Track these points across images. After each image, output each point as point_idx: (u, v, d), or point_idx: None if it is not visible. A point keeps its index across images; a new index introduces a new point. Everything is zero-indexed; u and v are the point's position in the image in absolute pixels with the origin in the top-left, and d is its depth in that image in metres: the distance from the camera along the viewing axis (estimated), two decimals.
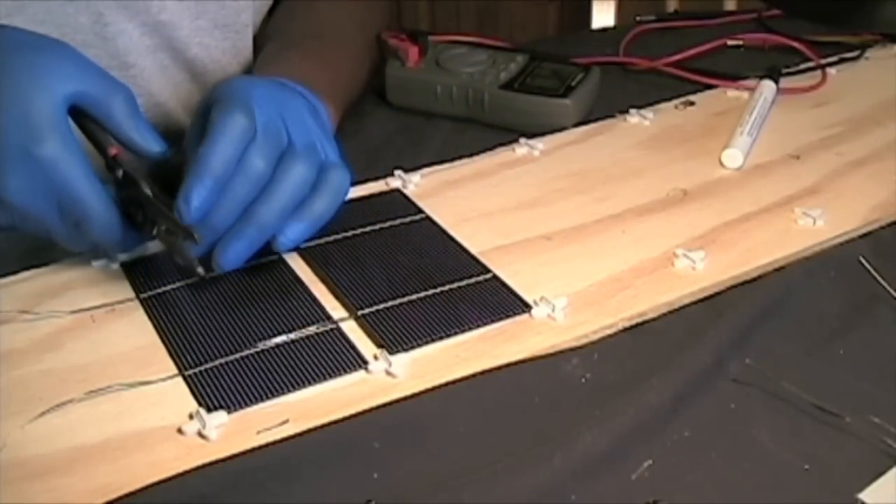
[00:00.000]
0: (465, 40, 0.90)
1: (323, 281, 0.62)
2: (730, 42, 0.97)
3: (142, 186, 0.58)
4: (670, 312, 0.61)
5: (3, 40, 0.58)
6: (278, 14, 0.86)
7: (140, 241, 0.61)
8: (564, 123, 0.82)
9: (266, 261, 0.63)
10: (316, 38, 0.82)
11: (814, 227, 0.68)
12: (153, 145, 0.60)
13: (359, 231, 0.67)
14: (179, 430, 0.51)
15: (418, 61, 0.86)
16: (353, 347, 0.57)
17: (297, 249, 0.64)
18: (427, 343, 0.57)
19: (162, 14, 0.74)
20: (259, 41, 0.84)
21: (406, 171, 0.74)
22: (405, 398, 0.54)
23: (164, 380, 0.54)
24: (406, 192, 0.72)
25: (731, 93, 0.87)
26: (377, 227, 0.68)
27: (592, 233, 0.68)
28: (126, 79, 0.73)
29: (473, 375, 0.55)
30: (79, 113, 0.58)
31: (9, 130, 0.55)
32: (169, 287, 0.61)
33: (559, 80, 0.84)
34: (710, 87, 0.88)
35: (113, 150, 0.59)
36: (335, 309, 0.60)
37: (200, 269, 0.57)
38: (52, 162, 0.55)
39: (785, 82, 0.87)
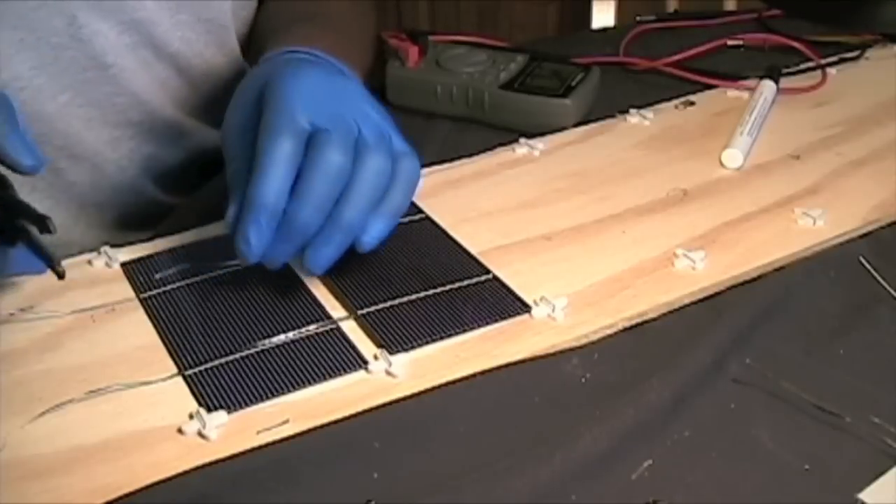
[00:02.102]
0: (465, 40, 0.90)
1: (323, 281, 0.62)
2: (730, 42, 0.97)
3: (9, 184, 0.55)
4: (670, 312, 0.61)
5: None
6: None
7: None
8: (564, 123, 0.82)
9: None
10: (336, 24, 0.79)
11: (814, 227, 0.68)
12: (25, 158, 0.54)
13: None
14: (179, 430, 0.51)
15: (418, 61, 0.86)
16: (353, 347, 0.57)
17: None
18: (427, 343, 0.57)
19: (139, 12, 0.72)
20: (260, 24, 0.82)
21: None
22: (405, 398, 0.54)
23: (164, 380, 0.54)
24: None
25: (731, 93, 0.87)
26: None
27: (592, 233, 0.68)
28: (106, 79, 0.72)
29: (473, 375, 0.55)
30: None
31: None
32: (169, 287, 0.61)
33: (559, 80, 0.84)
34: (710, 87, 0.88)
35: None
36: (335, 309, 0.60)
37: (60, 268, 0.54)
38: None
39: (785, 82, 0.87)
